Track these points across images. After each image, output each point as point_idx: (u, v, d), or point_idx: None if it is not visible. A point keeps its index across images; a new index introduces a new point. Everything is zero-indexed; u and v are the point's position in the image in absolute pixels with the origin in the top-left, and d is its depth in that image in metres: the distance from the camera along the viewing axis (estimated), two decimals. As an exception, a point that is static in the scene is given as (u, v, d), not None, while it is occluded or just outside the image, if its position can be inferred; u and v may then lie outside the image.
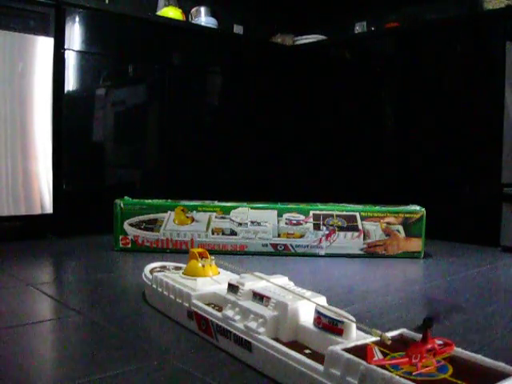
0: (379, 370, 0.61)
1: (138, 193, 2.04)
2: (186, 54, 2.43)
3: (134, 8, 2.68)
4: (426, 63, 2.28)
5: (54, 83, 1.98)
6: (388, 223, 1.78)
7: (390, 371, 0.61)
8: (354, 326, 0.76)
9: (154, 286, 1.11)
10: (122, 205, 1.78)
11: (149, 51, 2.29)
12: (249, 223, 1.79)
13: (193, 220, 1.79)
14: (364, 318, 1.06)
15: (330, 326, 0.76)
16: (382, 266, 1.69)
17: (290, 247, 1.79)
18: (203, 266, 1.08)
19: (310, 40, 2.95)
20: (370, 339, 0.72)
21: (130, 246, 1.78)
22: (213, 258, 1.11)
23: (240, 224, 1.78)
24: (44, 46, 1.93)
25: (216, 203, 1.81)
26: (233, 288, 0.92)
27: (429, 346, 0.64)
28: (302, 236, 1.79)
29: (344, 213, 1.80)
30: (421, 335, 0.67)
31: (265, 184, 2.71)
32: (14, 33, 1.85)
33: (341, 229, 1.79)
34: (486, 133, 2.07)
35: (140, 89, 2.29)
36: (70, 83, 2.05)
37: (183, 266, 1.19)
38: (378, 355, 0.64)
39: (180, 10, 2.67)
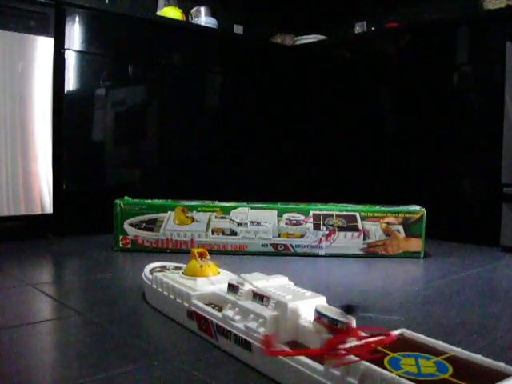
0: (379, 369, 0.61)
1: (138, 193, 2.04)
2: (186, 54, 2.43)
3: (134, 8, 2.69)
4: (425, 63, 2.28)
5: (54, 83, 1.98)
6: (388, 223, 1.78)
7: (390, 371, 0.61)
8: (354, 326, 0.76)
9: (154, 286, 1.11)
10: (121, 205, 1.78)
11: (149, 51, 2.29)
12: (249, 223, 1.79)
13: (193, 220, 1.79)
14: (364, 318, 1.06)
15: (329, 325, 0.76)
16: (381, 265, 1.69)
17: (290, 247, 1.79)
18: (201, 266, 1.07)
19: (310, 40, 2.95)
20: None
21: (130, 246, 1.78)
22: (208, 257, 1.10)
23: (240, 224, 1.78)
24: (44, 45, 1.93)
25: (216, 203, 1.81)
26: (233, 288, 0.92)
27: (348, 337, 0.62)
28: (302, 236, 1.79)
29: (344, 213, 1.80)
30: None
31: (265, 184, 2.71)
32: (13, 33, 1.85)
33: (341, 229, 1.79)
34: (486, 133, 2.07)
35: (140, 89, 2.29)
36: (70, 83, 2.05)
37: (183, 265, 1.19)
38: (277, 347, 0.63)
39: (180, 10, 2.67)
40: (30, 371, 0.79)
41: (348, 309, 0.64)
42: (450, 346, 0.70)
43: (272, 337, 0.62)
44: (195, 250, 1.10)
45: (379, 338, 0.66)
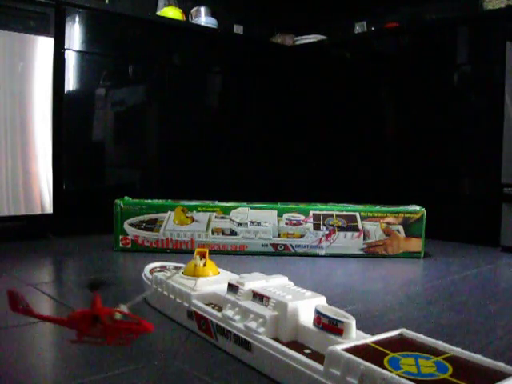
0: (379, 369, 0.61)
1: (137, 193, 2.04)
2: (186, 54, 2.42)
3: (134, 8, 2.69)
4: (425, 63, 2.28)
5: (54, 83, 1.98)
6: (388, 223, 1.78)
7: (390, 371, 0.61)
8: (354, 325, 0.76)
9: (154, 286, 1.11)
10: (121, 205, 1.78)
11: (149, 51, 2.29)
12: (249, 223, 1.79)
13: (193, 220, 1.79)
14: (364, 318, 1.06)
15: (329, 325, 0.76)
16: (382, 265, 1.69)
17: (290, 247, 1.79)
18: (195, 265, 1.07)
19: (310, 40, 2.95)
20: (370, 339, 0.72)
21: (130, 246, 1.78)
22: (198, 257, 1.10)
23: (240, 224, 1.78)
24: (44, 46, 1.93)
25: (216, 203, 1.81)
26: (233, 288, 0.92)
27: (90, 312, 0.60)
28: (301, 236, 1.79)
29: (344, 213, 1.80)
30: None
31: (265, 184, 2.71)
32: (14, 33, 1.85)
33: (341, 229, 1.79)
34: (486, 133, 2.07)
35: (140, 89, 2.29)
36: (70, 83, 2.05)
37: (183, 265, 1.19)
38: (22, 304, 0.61)
39: (180, 10, 2.67)
40: (30, 371, 0.79)
41: (92, 285, 0.62)
42: (450, 346, 0.70)
43: (16, 293, 0.60)
44: (197, 250, 1.10)
45: (130, 325, 0.63)
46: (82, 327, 0.59)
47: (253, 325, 0.83)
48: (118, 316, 0.61)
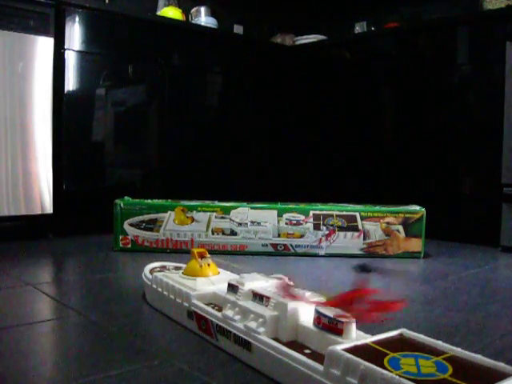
0: (379, 369, 0.61)
1: (138, 193, 2.04)
2: (186, 54, 2.43)
3: (134, 8, 2.68)
4: (426, 63, 2.28)
5: (54, 83, 1.98)
6: (388, 223, 1.78)
7: (390, 371, 0.61)
8: (354, 325, 0.76)
9: (154, 286, 1.11)
10: (122, 205, 1.78)
11: (149, 51, 2.29)
12: (249, 223, 1.79)
13: (193, 220, 1.79)
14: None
15: (329, 325, 0.76)
16: (382, 266, 1.69)
17: (290, 247, 1.79)
18: (201, 266, 1.07)
19: (310, 40, 2.95)
20: (370, 339, 0.72)
21: (130, 246, 1.78)
22: (208, 256, 1.10)
23: (240, 224, 1.78)
24: (44, 46, 1.93)
25: (216, 203, 1.81)
26: (233, 288, 0.92)
27: (358, 293, 0.65)
28: (301, 236, 1.79)
29: (344, 213, 1.80)
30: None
31: (265, 184, 2.71)
32: (14, 33, 1.85)
33: (341, 229, 1.79)
34: (486, 133, 2.07)
35: (140, 89, 2.29)
36: (70, 83, 2.05)
37: (183, 265, 1.19)
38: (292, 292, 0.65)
39: (180, 10, 2.67)
40: (30, 371, 0.79)
41: (363, 268, 0.69)
42: (450, 346, 0.70)
43: (290, 282, 0.66)
44: (195, 250, 1.10)
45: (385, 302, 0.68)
46: (349, 307, 0.65)
47: (253, 325, 0.83)
48: (371, 296, 0.67)
